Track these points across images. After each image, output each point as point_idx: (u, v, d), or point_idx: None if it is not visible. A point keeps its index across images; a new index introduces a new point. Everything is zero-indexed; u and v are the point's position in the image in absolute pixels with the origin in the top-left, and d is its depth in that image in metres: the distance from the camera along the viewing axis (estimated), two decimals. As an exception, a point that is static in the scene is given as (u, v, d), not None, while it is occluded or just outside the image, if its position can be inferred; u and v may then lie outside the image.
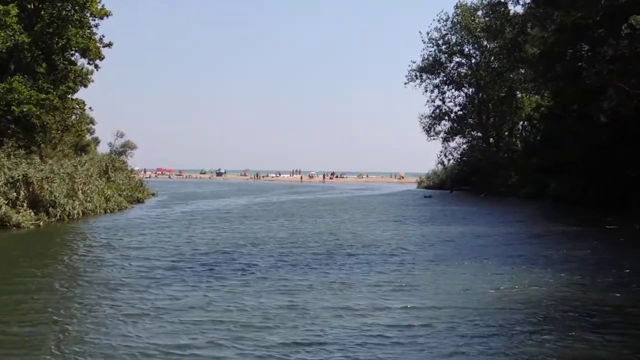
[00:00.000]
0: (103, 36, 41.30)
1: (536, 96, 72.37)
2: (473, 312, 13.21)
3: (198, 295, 14.80)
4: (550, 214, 40.79)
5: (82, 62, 42.82)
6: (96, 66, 41.39)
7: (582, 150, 46.89)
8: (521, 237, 27.72)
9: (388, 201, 58.97)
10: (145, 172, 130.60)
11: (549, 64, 49.06)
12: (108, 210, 38.47)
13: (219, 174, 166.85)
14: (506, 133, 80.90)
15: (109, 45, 41.58)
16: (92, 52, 39.90)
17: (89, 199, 36.49)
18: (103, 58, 40.93)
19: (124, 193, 46.19)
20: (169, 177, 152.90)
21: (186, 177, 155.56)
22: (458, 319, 12.62)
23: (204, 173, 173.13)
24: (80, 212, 34.35)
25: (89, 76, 43.99)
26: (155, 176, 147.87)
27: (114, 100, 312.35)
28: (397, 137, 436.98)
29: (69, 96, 40.89)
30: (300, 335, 11.54)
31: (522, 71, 72.27)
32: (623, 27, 33.67)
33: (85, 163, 42.61)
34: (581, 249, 23.00)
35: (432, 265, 19.29)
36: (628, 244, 25.60)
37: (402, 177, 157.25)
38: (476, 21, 79.24)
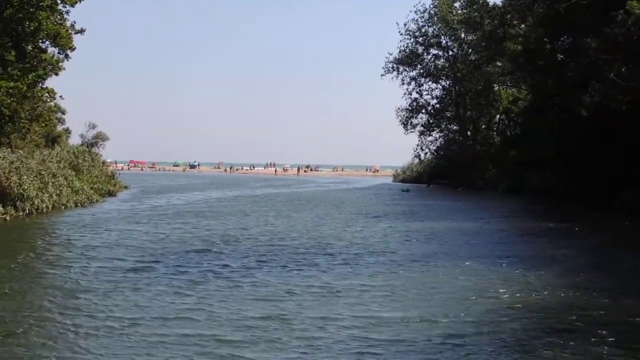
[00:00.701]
0: (75, 22, 39.74)
1: (513, 89, 71.82)
2: (477, 323, 11.81)
3: (164, 303, 13.27)
4: (535, 210, 39.63)
5: (52, 50, 41.12)
6: (67, 56, 39.86)
7: (564, 144, 46.00)
8: (510, 234, 26.42)
9: (366, 195, 57.56)
10: (116, 164, 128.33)
11: (530, 58, 48.14)
12: (79, 204, 36.96)
13: (192, 166, 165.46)
14: (483, 126, 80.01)
15: (82, 31, 39.97)
16: (63, 39, 38.30)
17: (58, 191, 35.07)
18: (74, 49, 39.45)
19: (95, 186, 44.70)
20: (142, 170, 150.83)
21: (159, 170, 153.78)
22: (461, 332, 11.22)
23: (177, 165, 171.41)
24: (50, 206, 32.87)
25: (60, 64, 42.57)
26: (128, 168, 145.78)
27: (86, 90, 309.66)
28: (371, 130, 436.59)
29: (39, 85, 39.22)
30: (283, 353, 10.10)
31: (499, 64, 71.49)
32: (619, 13, 32.62)
33: (56, 154, 41.29)
34: (575, 247, 21.80)
35: (421, 267, 17.88)
36: (621, 241, 24.39)
37: (377, 171, 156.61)
38: (454, 13, 78.24)
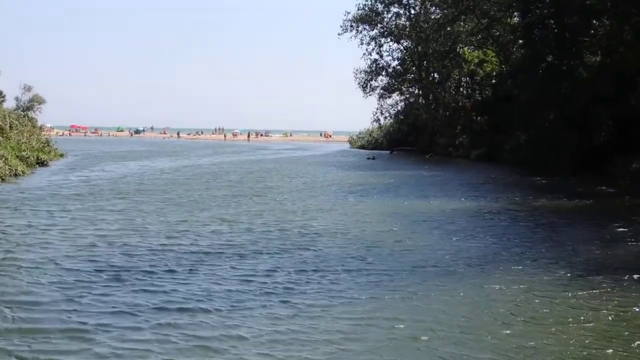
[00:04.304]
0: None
1: (478, 51, 67.67)
2: None
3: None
4: (528, 183, 34.64)
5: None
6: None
7: (548, 109, 41.70)
8: (522, 218, 21.21)
9: (332, 164, 52.22)
10: (52, 129, 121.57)
11: (527, 8, 43.79)
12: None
13: (137, 132, 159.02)
14: (449, 89, 75.34)
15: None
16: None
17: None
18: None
19: (23, 154, 38.99)
20: (85, 135, 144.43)
21: (101, 135, 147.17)
22: None
23: (121, 131, 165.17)
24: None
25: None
26: (69, 134, 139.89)
27: (23, 51, 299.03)
28: (322, 93, 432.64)
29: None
30: None
31: (462, 24, 67.18)
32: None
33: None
34: (617, 240, 16.88)
35: (440, 285, 11.99)
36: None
37: (330, 136, 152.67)
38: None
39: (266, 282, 12.19)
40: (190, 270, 13.13)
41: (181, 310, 10.38)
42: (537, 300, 11.01)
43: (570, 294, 11.37)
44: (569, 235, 17.71)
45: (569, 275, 12.85)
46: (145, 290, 11.56)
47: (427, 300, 11.06)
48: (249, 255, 14.59)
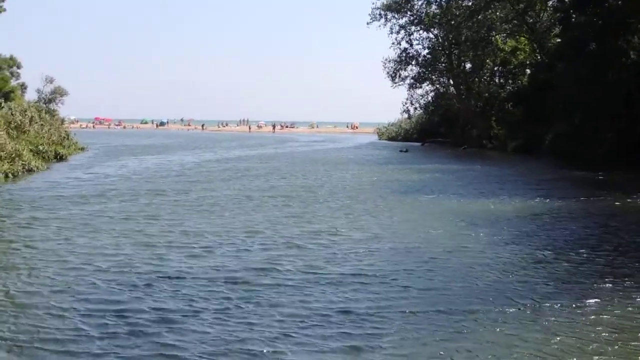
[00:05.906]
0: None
1: (511, 39, 65.04)
2: None
3: None
4: (578, 178, 31.71)
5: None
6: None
7: (592, 99, 39.20)
8: (595, 221, 18.49)
9: (364, 158, 49.61)
10: (76, 121, 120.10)
11: None
12: (11, 174, 29.03)
13: (161, 124, 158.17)
14: (484, 78, 72.70)
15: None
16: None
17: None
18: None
19: (41, 148, 37.58)
20: (109, 127, 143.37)
21: (125, 127, 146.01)
22: None
23: (146, 123, 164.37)
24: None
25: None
26: (93, 126, 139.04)
27: (47, 42, 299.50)
28: (348, 84, 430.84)
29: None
30: None
31: (497, 12, 64.50)
32: None
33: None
34: None
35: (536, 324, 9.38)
36: None
37: (357, 127, 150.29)
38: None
39: (314, 342, 8.58)
40: (204, 311, 9.69)
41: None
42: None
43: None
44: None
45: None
46: (141, 349, 8.25)
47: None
48: (287, 287, 11.12)
